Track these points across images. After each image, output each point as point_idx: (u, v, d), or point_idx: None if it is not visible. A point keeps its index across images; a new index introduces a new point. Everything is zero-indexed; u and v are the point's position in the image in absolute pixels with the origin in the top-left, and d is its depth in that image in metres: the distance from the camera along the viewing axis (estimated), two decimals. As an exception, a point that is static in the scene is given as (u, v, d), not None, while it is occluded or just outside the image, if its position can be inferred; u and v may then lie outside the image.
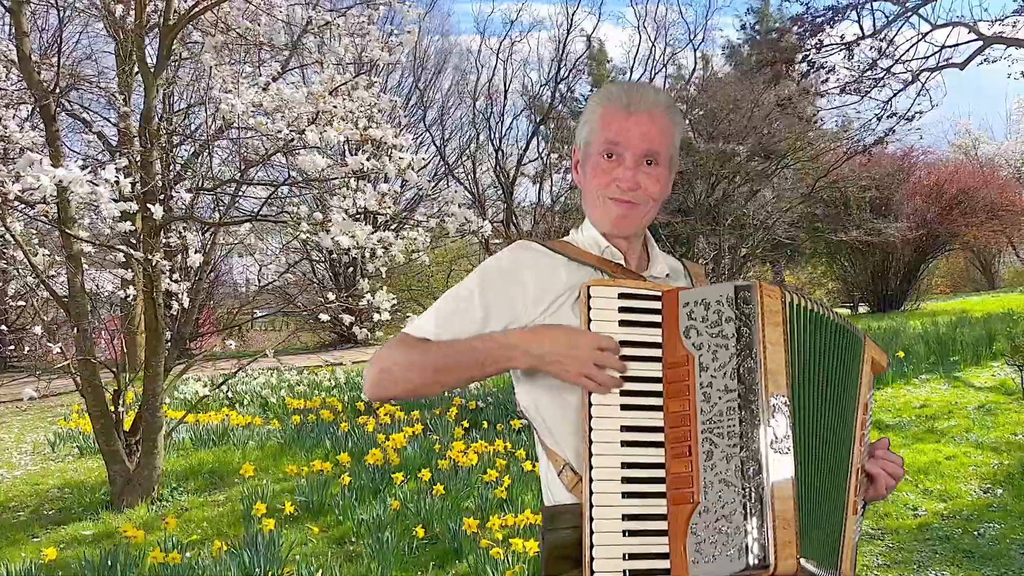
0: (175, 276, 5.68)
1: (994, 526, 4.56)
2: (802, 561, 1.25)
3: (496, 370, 1.43)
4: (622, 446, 1.34)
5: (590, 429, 1.34)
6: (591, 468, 1.32)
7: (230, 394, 9.66)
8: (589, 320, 1.39)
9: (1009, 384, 7.88)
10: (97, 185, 4.29)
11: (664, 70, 19.26)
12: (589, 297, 1.39)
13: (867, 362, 1.49)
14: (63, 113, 5.88)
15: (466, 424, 7.25)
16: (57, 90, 5.79)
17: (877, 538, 4.52)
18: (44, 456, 7.92)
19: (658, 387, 1.37)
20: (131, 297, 6.37)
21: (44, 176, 3.95)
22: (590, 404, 1.36)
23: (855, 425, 1.43)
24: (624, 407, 1.36)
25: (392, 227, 9.05)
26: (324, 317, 6.50)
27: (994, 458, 5.78)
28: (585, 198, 1.56)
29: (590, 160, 1.52)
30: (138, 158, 5.32)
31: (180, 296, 5.62)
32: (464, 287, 1.50)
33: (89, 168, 4.32)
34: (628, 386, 1.37)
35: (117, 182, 4.32)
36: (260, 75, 5.31)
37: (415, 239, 5.29)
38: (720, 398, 1.31)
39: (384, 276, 5.75)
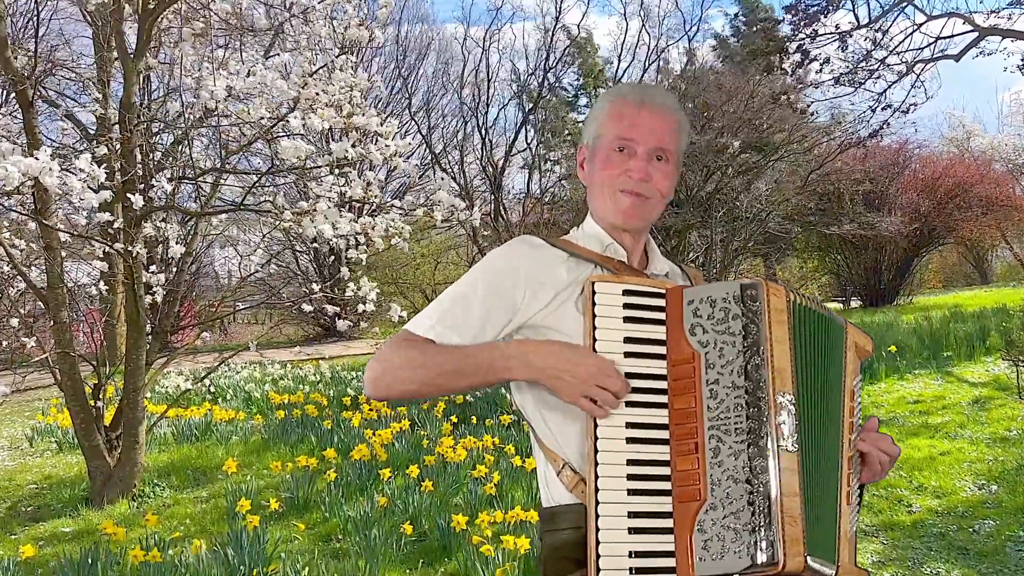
0: (152, 267, 5.55)
1: (989, 522, 4.52)
2: (809, 560, 1.25)
3: (495, 379, 1.40)
4: (627, 443, 1.32)
5: (595, 426, 1.33)
6: (596, 465, 1.31)
7: (212, 388, 9.54)
8: (594, 316, 1.36)
9: (1003, 379, 7.84)
10: (72, 173, 4.15)
11: (658, 61, 19.19)
12: (594, 293, 1.37)
13: (850, 348, 1.50)
14: (39, 100, 5.71)
15: (455, 419, 7.17)
16: (34, 77, 5.63)
17: (872, 535, 4.46)
18: (22, 451, 7.79)
19: (663, 384, 1.35)
20: (107, 290, 6.23)
21: (12, 167, 3.81)
22: None
23: (843, 414, 1.44)
24: (629, 404, 1.34)
25: (376, 216, 8.94)
26: (308, 308, 6.38)
27: (988, 454, 5.73)
28: (592, 192, 1.55)
29: (600, 153, 1.51)
30: (118, 146, 5.18)
31: (155, 289, 5.48)
32: (465, 283, 1.48)
33: (60, 155, 4.17)
34: (633, 383, 1.35)
35: (93, 172, 4.18)
36: (242, 61, 5.18)
37: (397, 224, 5.17)
38: (727, 395, 1.30)
39: (366, 265, 5.65)
